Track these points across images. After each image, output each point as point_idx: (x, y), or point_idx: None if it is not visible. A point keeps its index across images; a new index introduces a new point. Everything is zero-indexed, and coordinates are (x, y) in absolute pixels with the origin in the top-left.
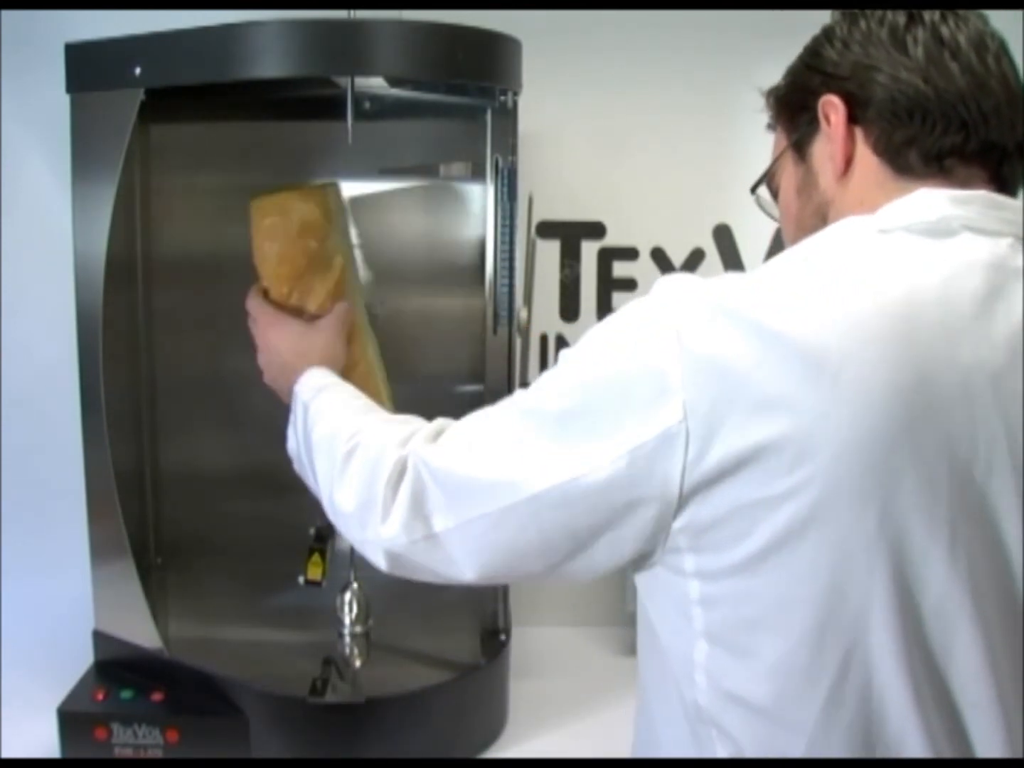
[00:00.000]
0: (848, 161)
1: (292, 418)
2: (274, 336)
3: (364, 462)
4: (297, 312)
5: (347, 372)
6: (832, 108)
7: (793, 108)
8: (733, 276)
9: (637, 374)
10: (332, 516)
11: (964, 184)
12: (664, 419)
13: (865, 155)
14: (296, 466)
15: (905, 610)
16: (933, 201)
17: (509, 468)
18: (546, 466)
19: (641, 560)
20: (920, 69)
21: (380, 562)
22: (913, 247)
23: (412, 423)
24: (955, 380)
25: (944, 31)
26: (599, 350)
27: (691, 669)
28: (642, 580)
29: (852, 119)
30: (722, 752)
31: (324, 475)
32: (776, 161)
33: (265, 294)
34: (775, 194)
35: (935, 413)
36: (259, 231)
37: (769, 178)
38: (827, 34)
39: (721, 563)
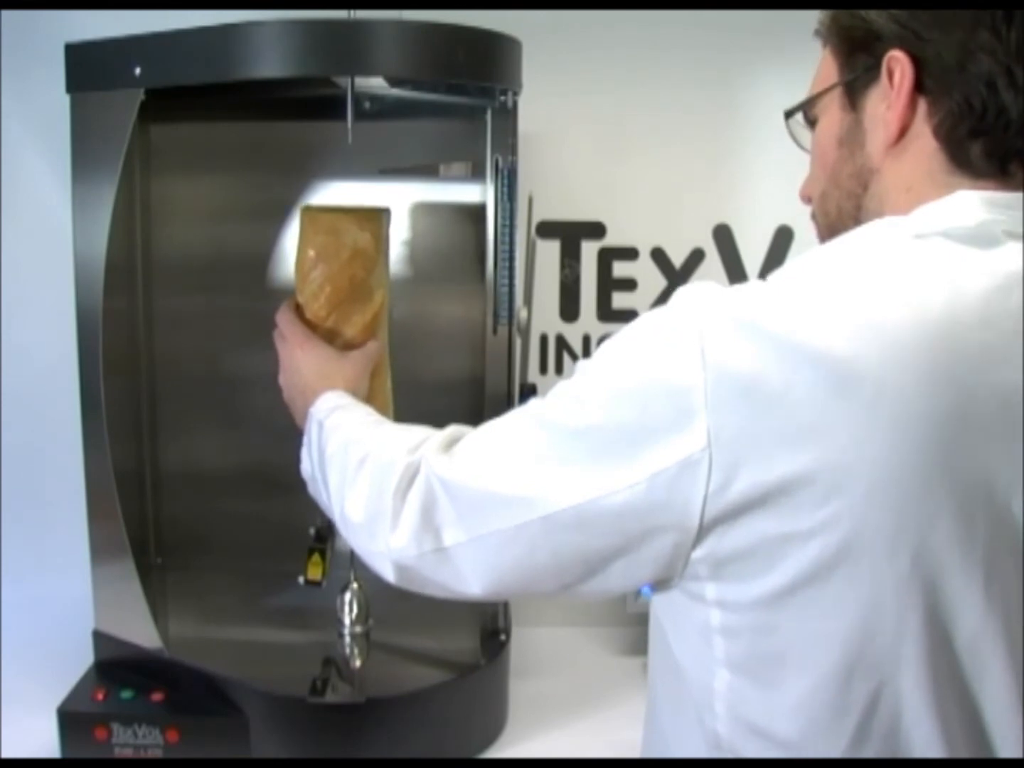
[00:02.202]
0: (903, 131)
1: (306, 439)
2: (300, 356)
3: (374, 471)
4: (328, 337)
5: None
6: (898, 67)
7: (853, 44)
8: (758, 285)
9: (658, 393)
10: (343, 528)
11: (1020, 187)
12: (686, 445)
13: (923, 134)
14: (311, 488)
15: (937, 649)
16: (969, 204)
17: (523, 485)
18: (561, 486)
19: (659, 584)
20: (1011, 56)
21: (388, 574)
22: (953, 256)
23: (424, 431)
24: (995, 406)
25: None
26: (618, 365)
27: (711, 697)
28: (660, 601)
29: (918, 86)
30: None
31: (336, 488)
32: (821, 94)
33: (297, 310)
34: (811, 123)
35: (974, 443)
36: (308, 245)
37: (808, 106)
38: None
39: (744, 594)
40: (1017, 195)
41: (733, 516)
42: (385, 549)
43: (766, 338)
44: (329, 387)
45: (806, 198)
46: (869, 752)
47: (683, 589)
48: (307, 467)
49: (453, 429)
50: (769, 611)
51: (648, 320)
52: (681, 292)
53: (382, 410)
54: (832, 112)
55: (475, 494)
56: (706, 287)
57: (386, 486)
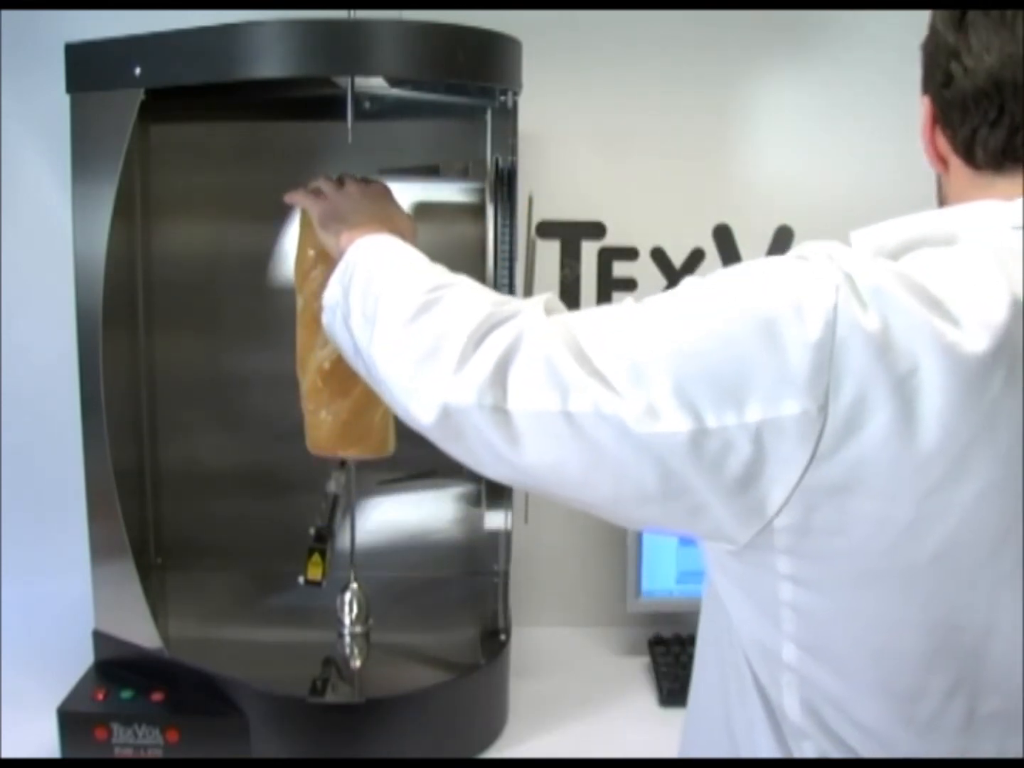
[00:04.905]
0: (942, 160)
1: (343, 266)
2: (360, 189)
3: (447, 312)
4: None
5: (362, 404)
6: (924, 107)
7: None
8: (892, 262)
9: (782, 339)
10: (382, 362)
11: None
12: (802, 400)
13: (953, 159)
14: (326, 317)
15: None
16: None
17: (614, 387)
18: (651, 405)
19: (714, 544)
20: (964, 32)
21: (428, 415)
22: None
23: (506, 296)
24: None
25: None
26: (745, 298)
27: (778, 674)
28: (715, 563)
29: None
30: (809, 752)
31: (389, 319)
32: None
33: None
34: None
35: None
36: (308, 244)
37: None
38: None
39: (824, 574)
40: None
41: (833, 488)
42: (438, 387)
43: (903, 314)
44: (385, 212)
45: None
46: (938, 742)
47: (745, 559)
48: (331, 296)
49: (549, 297)
50: (853, 593)
51: (782, 265)
52: (817, 245)
53: (383, 416)
54: (924, 100)
55: (562, 373)
56: (846, 248)
57: (460, 329)
